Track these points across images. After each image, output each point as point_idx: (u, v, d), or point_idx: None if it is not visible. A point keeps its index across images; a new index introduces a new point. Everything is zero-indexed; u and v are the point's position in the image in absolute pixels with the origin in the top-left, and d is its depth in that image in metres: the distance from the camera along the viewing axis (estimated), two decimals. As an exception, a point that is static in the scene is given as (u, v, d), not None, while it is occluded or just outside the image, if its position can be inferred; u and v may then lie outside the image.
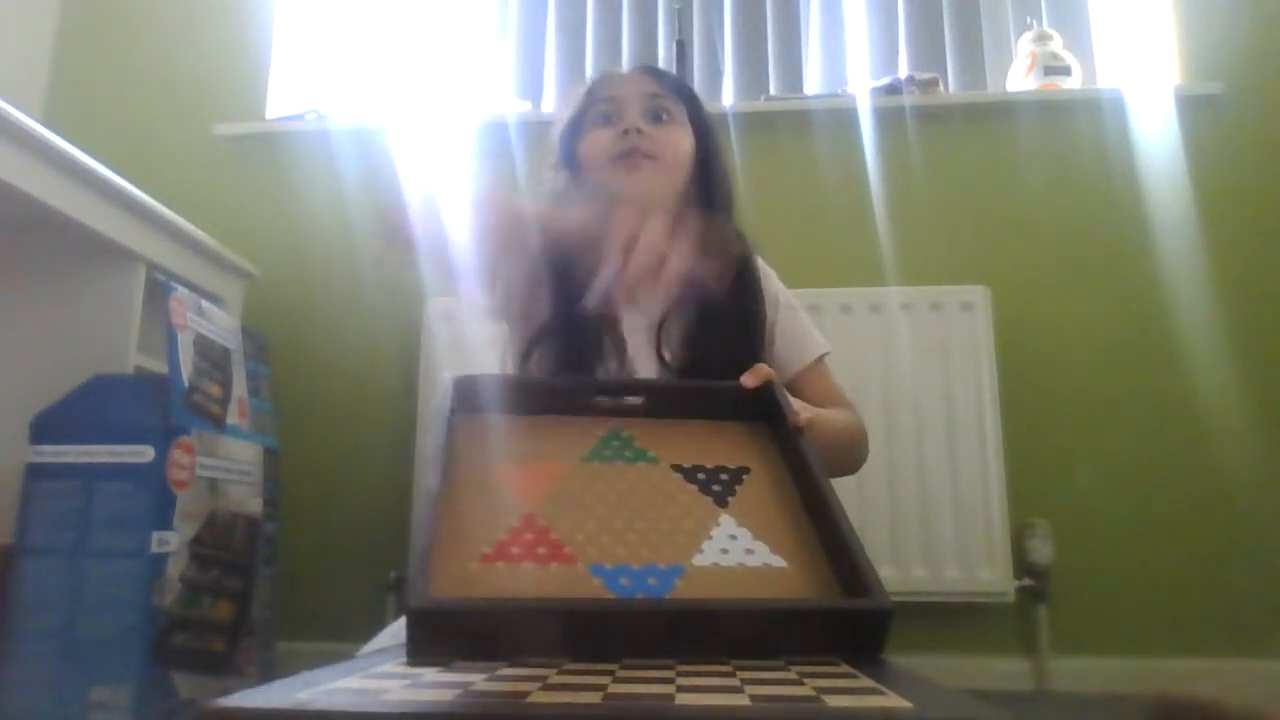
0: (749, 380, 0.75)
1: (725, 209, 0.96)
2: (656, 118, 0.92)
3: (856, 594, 0.56)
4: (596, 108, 0.94)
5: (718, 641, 0.52)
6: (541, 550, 0.60)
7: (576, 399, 0.75)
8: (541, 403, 0.73)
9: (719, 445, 0.72)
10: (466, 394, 0.73)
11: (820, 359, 0.96)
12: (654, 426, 0.74)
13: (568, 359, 0.87)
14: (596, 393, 0.77)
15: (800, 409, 0.73)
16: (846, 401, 0.95)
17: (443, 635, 0.52)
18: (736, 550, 0.62)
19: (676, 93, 0.95)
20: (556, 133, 0.99)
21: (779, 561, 0.62)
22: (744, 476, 0.69)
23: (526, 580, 0.58)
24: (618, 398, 0.76)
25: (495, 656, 0.50)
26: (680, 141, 0.93)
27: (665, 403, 0.76)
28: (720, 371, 0.80)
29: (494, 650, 0.51)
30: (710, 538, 0.63)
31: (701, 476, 0.69)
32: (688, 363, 0.88)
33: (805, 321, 0.99)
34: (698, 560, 0.60)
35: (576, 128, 0.96)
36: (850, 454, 0.92)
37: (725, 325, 0.88)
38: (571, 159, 0.95)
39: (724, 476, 0.69)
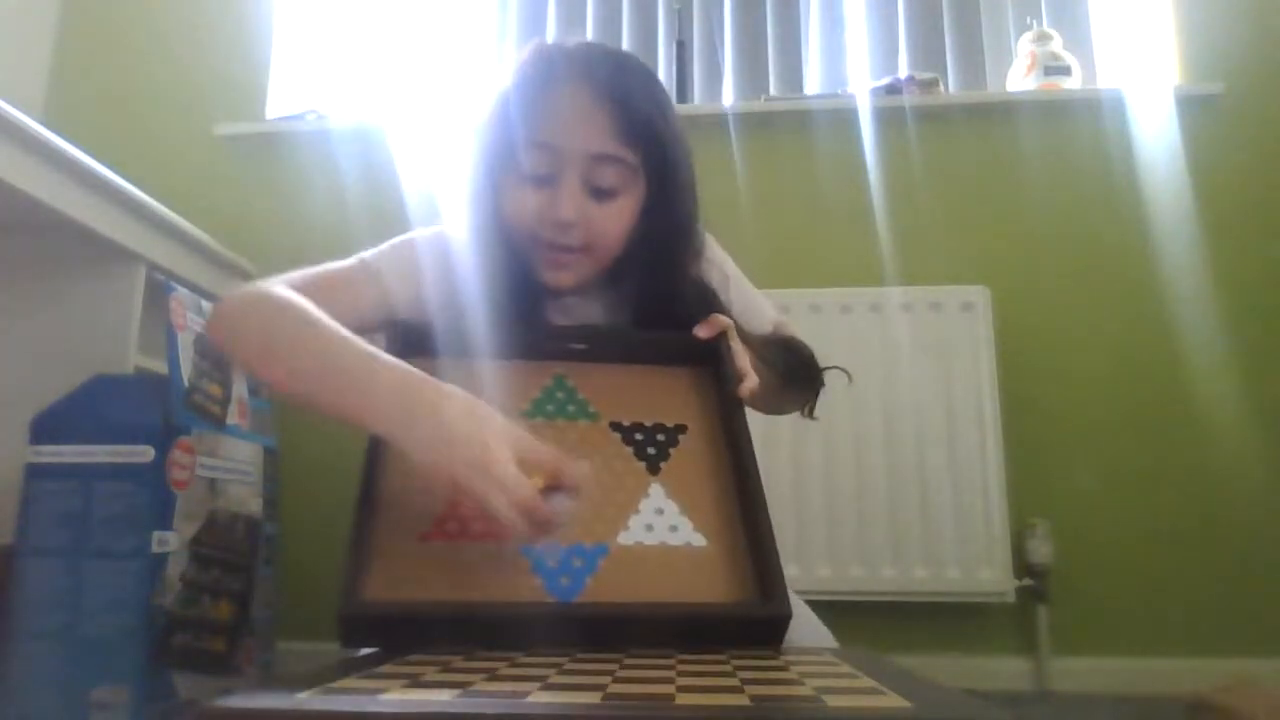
0: (703, 331, 0.75)
1: (674, 250, 0.83)
2: (598, 194, 0.78)
3: (764, 594, 0.61)
4: (532, 152, 0.77)
5: (625, 639, 0.57)
6: (476, 526, 0.62)
7: (523, 343, 0.75)
8: (488, 345, 0.74)
9: (661, 396, 0.74)
10: (410, 337, 0.73)
11: (775, 328, 0.97)
12: (598, 372, 0.75)
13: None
14: (545, 338, 0.77)
15: (743, 369, 0.74)
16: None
17: (374, 633, 0.57)
18: (661, 527, 0.65)
19: (633, 138, 0.77)
20: (481, 129, 0.82)
21: (700, 540, 0.65)
22: (680, 437, 0.72)
23: (461, 564, 0.61)
24: (565, 343, 0.77)
25: (422, 649, 0.54)
26: (620, 218, 0.79)
27: (612, 348, 0.78)
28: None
29: (422, 644, 0.55)
30: (638, 511, 0.66)
31: (639, 437, 0.71)
32: None
33: (751, 291, 0.98)
34: (622, 539, 0.64)
35: (503, 153, 0.79)
36: (802, 385, 0.90)
37: (667, 316, 0.82)
38: (493, 191, 0.81)
39: (660, 437, 0.71)
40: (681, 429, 0.72)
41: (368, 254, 0.85)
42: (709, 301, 0.84)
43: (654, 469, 0.69)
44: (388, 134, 1.94)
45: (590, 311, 0.89)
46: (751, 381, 0.74)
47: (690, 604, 0.61)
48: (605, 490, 0.66)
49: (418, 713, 0.38)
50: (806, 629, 0.85)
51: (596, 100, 0.76)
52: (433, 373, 0.64)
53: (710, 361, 0.76)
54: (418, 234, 0.86)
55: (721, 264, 0.94)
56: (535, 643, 0.55)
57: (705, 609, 0.61)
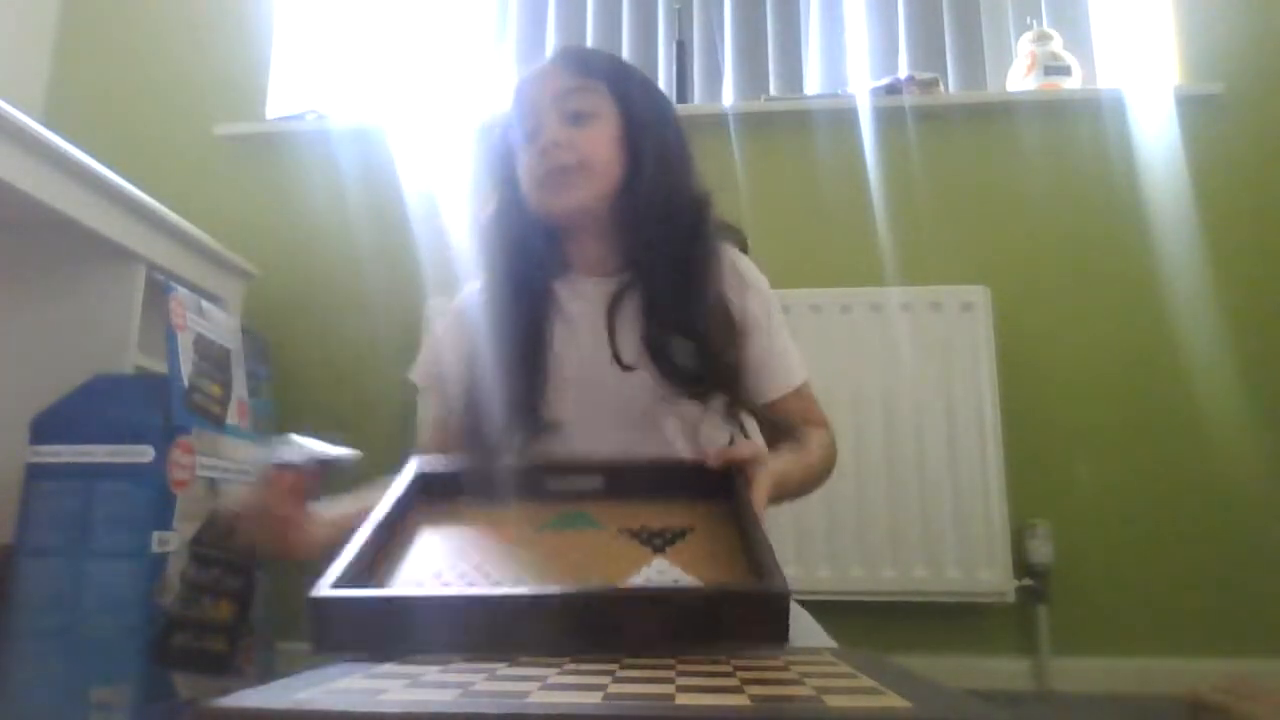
0: (714, 461, 0.74)
1: (671, 175, 0.90)
2: (575, 118, 0.88)
3: (754, 578, 0.57)
4: (520, 122, 0.91)
5: (617, 632, 0.51)
6: (471, 581, 0.61)
7: (538, 486, 0.74)
8: (503, 491, 0.74)
9: (671, 511, 0.72)
10: (428, 483, 0.74)
11: (803, 384, 0.95)
12: (612, 505, 0.74)
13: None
14: (559, 473, 0.76)
15: (757, 504, 0.71)
16: (822, 419, 0.95)
17: (344, 627, 0.52)
18: (663, 580, 0.62)
19: (593, 74, 0.89)
20: (491, 145, 0.96)
21: (698, 582, 0.62)
22: (687, 534, 0.69)
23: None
24: (575, 477, 0.76)
25: (398, 651, 0.49)
26: (603, 138, 0.88)
27: (625, 484, 0.75)
28: (677, 364, 0.85)
29: (397, 644, 0.50)
30: (639, 572, 0.64)
31: (644, 534, 0.69)
32: (644, 360, 0.88)
33: (785, 342, 0.95)
34: (619, 583, 0.61)
35: (507, 142, 0.93)
36: (818, 483, 0.93)
37: (679, 321, 0.87)
38: (512, 178, 0.92)
39: (667, 534, 0.69)
40: (689, 529, 0.70)
41: (412, 374, 1.03)
42: (728, 327, 0.89)
43: (659, 550, 0.67)
44: (388, 134, 1.94)
45: (603, 291, 0.90)
46: (770, 480, 0.74)
47: (683, 589, 0.59)
48: (606, 560, 0.65)
49: (418, 713, 0.38)
50: (805, 633, 0.85)
51: (560, 64, 0.91)
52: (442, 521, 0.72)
53: (725, 487, 0.73)
54: (441, 317, 1.02)
55: (765, 299, 0.95)
56: (528, 637, 0.52)
57: (697, 592, 0.58)
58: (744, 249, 1.02)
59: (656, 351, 0.86)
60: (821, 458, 0.91)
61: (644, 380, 0.87)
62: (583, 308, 0.92)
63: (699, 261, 0.90)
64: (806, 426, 0.91)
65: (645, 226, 0.89)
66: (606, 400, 0.89)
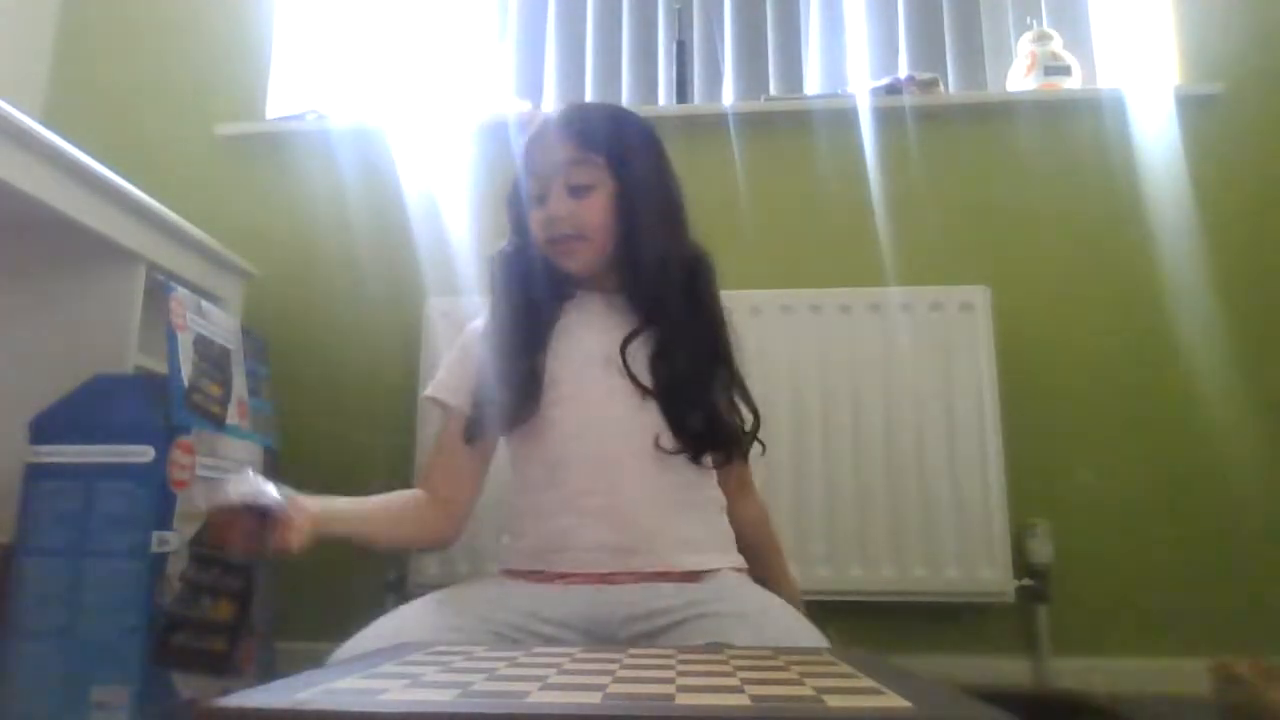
0: None
1: (662, 227, 1.04)
2: (576, 191, 1.01)
3: None
4: (529, 182, 1.05)
5: None
6: None
7: None
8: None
9: None
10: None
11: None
12: None
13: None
14: None
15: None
16: (755, 490, 1.18)
17: None
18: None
19: (594, 147, 1.02)
20: (506, 197, 1.11)
21: None
22: None
23: None
24: None
25: None
26: (599, 208, 1.01)
27: None
28: (686, 389, 0.98)
29: None
30: None
31: None
32: (654, 383, 1.00)
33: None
34: None
35: (519, 194, 1.09)
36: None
37: (687, 347, 1.01)
38: (522, 226, 1.07)
39: None
40: None
41: (427, 390, 1.13)
42: (737, 390, 1.06)
43: None
44: (388, 134, 1.94)
45: (609, 319, 1.04)
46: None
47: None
48: None
49: (418, 713, 0.38)
50: (800, 629, 0.85)
51: (563, 130, 1.03)
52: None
53: None
54: (459, 340, 1.14)
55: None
56: None
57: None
58: None
59: (668, 406, 1.00)
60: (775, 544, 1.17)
61: (630, 399, 1.00)
62: (587, 318, 1.05)
63: (711, 327, 1.05)
64: (747, 493, 1.14)
65: (644, 277, 1.02)
66: (599, 402, 1.01)
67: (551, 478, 0.99)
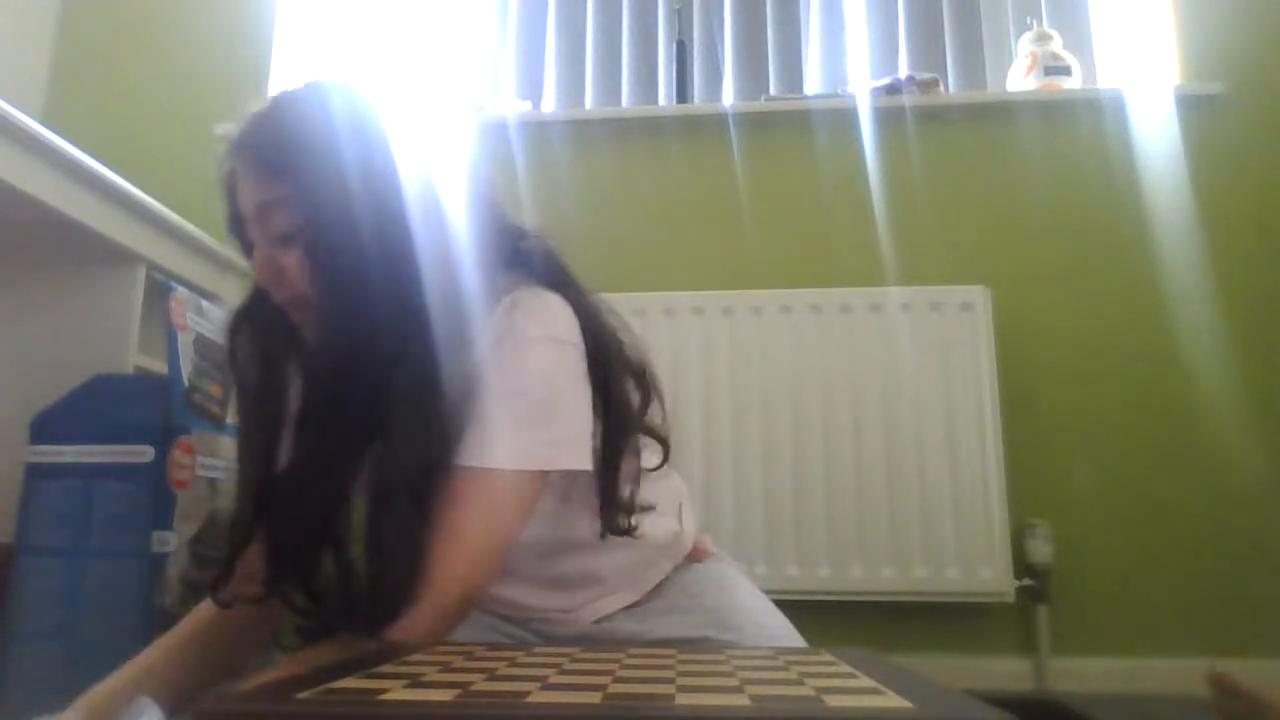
0: None
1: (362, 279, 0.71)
2: (281, 240, 0.74)
3: None
4: (233, 236, 0.83)
5: None
6: None
7: None
8: None
9: None
10: None
11: (473, 468, 0.69)
12: None
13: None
14: None
15: None
16: (445, 576, 0.67)
17: None
18: None
19: (277, 172, 0.74)
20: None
21: None
22: None
23: None
24: None
25: None
26: (300, 263, 0.73)
27: None
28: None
29: None
30: None
31: None
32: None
33: (495, 418, 0.70)
34: None
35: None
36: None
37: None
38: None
39: None
40: None
41: None
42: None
43: None
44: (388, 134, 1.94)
45: None
46: None
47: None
48: None
49: (418, 713, 0.38)
50: (782, 631, 0.85)
51: (247, 170, 0.77)
52: None
53: None
54: None
55: (510, 365, 0.72)
56: None
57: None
58: (554, 259, 0.82)
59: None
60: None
61: None
62: None
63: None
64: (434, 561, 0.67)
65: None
66: None
67: None
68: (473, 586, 0.69)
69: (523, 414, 0.71)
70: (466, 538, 0.68)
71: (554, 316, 0.75)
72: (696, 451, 1.67)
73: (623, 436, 0.77)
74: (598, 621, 0.85)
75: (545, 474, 0.73)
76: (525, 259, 0.81)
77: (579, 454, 0.73)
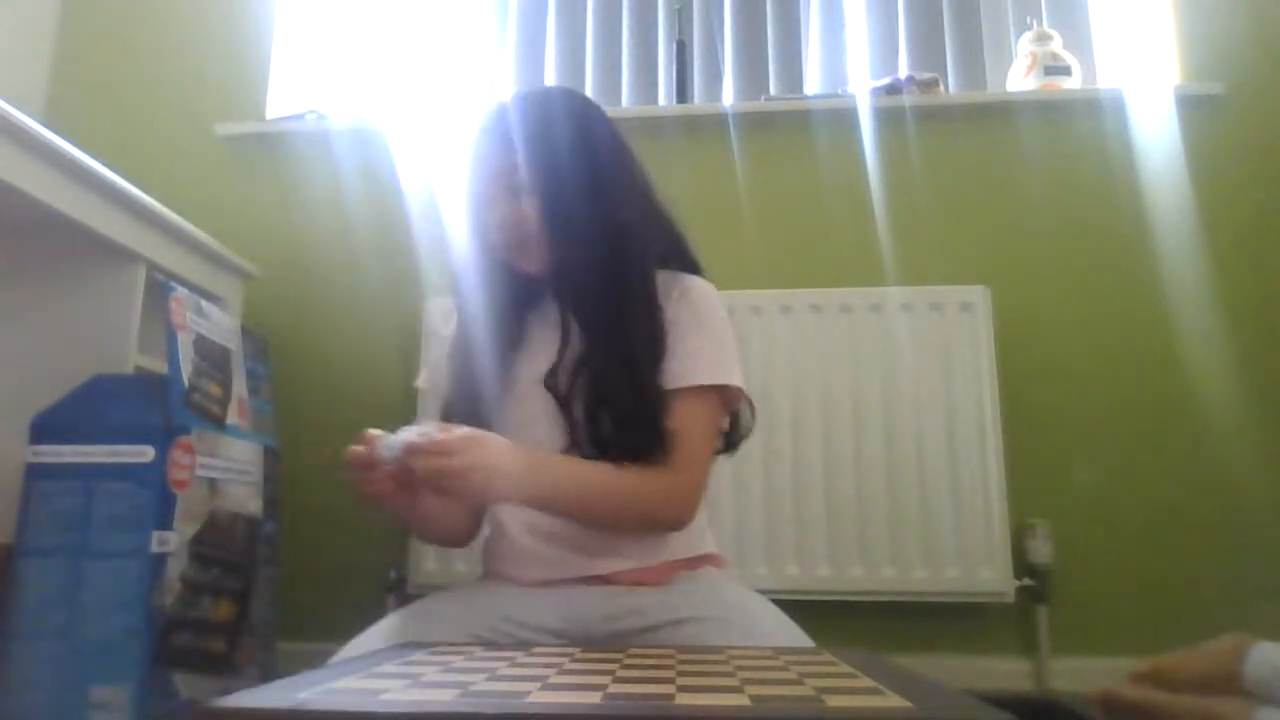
0: None
1: (586, 215, 0.97)
2: (516, 194, 0.98)
3: None
4: (476, 185, 1.03)
5: None
6: None
7: None
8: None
9: None
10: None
11: (694, 388, 0.94)
12: None
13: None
14: None
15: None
16: (683, 459, 0.92)
17: None
18: None
19: (518, 146, 0.99)
20: (463, 203, 1.07)
21: None
22: None
23: None
24: None
25: None
26: (536, 214, 0.98)
27: None
28: (605, 395, 0.92)
29: None
30: None
31: None
32: (576, 393, 0.95)
33: (701, 344, 0.97)
34: None
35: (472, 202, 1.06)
36: (613, 519, 0.92)
37: (612, 347, 0.94)
38: (481, 227, 1.04)
39: None
40: None
41: (419, 380, 1.18)
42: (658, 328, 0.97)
43: None
44: (388, 134, 1.94)
45: (557, 330, 0.99)
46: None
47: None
48: None
49: (418, 713, 0.38)
50: (781, 630, 0.85)
51: (492, 145, 1.00)
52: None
53: None
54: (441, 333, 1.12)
55: (698, 309, 1.00)
56: None
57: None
58: (697, 270, 1.08)
59: (588, 415, 0.94)
60: (623, 490, 0.90)
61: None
62: (543, 331, 1.01)
63: (637, 311, 0.96)
64: (664, 453, 0.91)
65: (570, 277, 0.99)
66: (529, 421, 0.96)
67: None
68: (704, 471, 0.94)
69: (727, 352, 1.00)
70: (696, 439, 0.93)
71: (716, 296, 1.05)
72: (696, 451, 1.67)
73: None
74: (611, 579, 0.93)
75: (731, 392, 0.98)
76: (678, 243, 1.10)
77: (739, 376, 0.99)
